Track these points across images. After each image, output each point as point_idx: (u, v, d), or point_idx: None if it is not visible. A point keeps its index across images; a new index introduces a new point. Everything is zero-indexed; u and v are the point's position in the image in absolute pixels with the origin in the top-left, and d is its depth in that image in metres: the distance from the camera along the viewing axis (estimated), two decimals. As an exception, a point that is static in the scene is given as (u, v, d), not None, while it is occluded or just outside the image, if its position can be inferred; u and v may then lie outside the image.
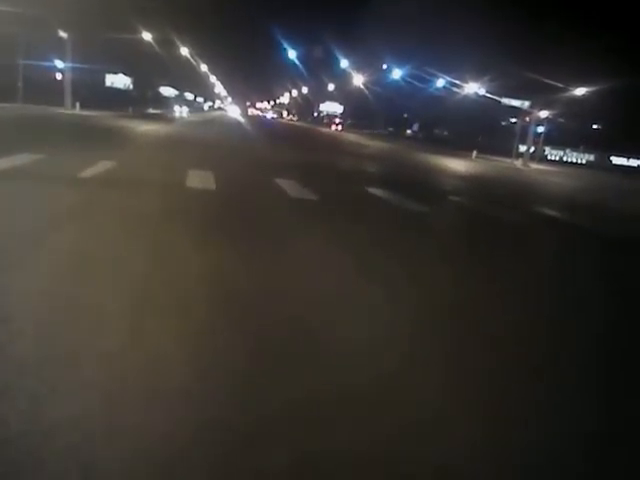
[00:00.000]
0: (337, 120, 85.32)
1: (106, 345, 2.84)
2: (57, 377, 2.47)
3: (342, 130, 71.72)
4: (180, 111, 61.84)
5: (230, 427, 2.28)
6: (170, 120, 36.12)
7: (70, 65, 39.33)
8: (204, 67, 78.34)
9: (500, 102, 42.45)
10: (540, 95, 39.14)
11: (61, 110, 33.71)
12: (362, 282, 4.69)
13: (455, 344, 3.57)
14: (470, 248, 7.10)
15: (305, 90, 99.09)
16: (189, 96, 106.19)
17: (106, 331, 3.02)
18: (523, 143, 43.16)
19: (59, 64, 41.67)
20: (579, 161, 61.39)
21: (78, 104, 36.54)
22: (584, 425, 2.73)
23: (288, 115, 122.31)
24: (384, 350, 3.29)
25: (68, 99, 38.28)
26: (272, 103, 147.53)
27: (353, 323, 3.69)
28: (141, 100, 57.25)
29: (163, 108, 62.57)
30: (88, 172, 8.64)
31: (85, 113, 32.93)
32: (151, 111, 52.06)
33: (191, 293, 3.85)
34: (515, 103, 42.48)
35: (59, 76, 42.75)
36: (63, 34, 37.22)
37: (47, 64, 41.97)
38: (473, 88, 42.51)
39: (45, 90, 39.05)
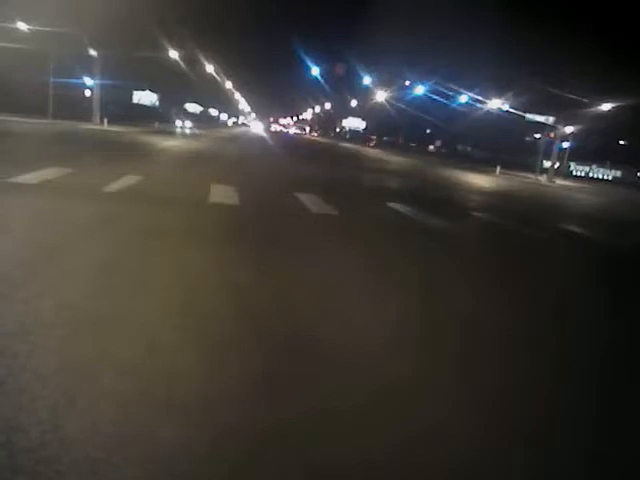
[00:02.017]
0: (372, 137, 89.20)
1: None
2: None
3: (374, 146, 73.74)
4: (182, 126, 53.10)
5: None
6: (193, 136, 36.72)
7: (99, 82, 40.40)
8: (229, 84, 79.50)
9: (524, 118, 42.10)
10: (565, 110, 38.76)
11: (89, 126, 34.55)
12: (381, 294, 4.68)
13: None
14: (490, 265, 7.01)
15: (328, 106, 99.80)
16: (213, 112, 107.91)
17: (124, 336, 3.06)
18: (548, 159, 42.72)
19: (88, 81, 42.78)
20: (605, 177, 60.47)
21: (106, 120, 37.42)
22: None
23: (311, 131, 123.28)
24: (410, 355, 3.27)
25: (96, 115, 39.27)
26: (295, 119, 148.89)
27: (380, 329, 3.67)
28: (167, 116, 58.21)
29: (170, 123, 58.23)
30: (114, 186, 8.82)
31: (113, 129, 33.68)
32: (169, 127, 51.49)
33: (219, 306, 3.89)
34: (539, 119, 42.08)
35: (88, 93, 43.87)
36: (93, 52, 38.28)
37: (76, 81, 43.11)
38: (496, 104, 42.29)
39: (74, 106, 40.19)
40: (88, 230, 5.78)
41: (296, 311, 4.03)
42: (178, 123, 54.29)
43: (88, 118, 38.39)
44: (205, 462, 2.14)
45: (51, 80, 37.05)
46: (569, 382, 3.41)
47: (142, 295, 3.93)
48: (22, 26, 33.42)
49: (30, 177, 8.57)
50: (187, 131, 47.87)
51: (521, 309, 5.00)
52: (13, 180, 8.14)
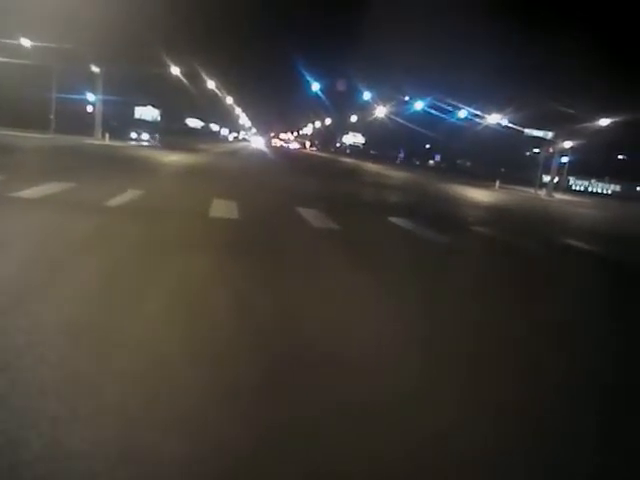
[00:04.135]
0: (401, 153, 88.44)
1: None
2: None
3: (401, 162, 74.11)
4: (137, 138, 44.64)
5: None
6: (194, 151, 36.90)
7: (101, 97, 40.76)
8: (230, 99, 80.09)
9: (523, 132, 42.36)
10: (564, 125, 39.03)
11: (91, 141, 34.76)
12: (383, 309, 4.69)
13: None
14: (491, 280, 7.03)
15: (328, 121, 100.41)
16: (214, 127, 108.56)
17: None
18: (547, 173, 42.92)
19: (90, 97, 43.09)
20: (605, 191, 60.74)
21: (108, 135, 37.66)
22: None
23: (311, 146, 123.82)
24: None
25: (98, 130, 39.56)
26: (295, 134, 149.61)
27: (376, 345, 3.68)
28: (168, 131, 58.45)
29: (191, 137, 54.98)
30: (116, 201, 8.85)
31: (114, 143, 33.88)
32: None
33: (219, 322, 3.91)
34: (538, 133, 42.34)
35: (90, 108, 44.17)
36: (95, 68, 38.67)
37: (79, 97, 43.39)
38: (496, 119, 42.57)
39: (76, 121, 40.47)
40: (90, 245, 5.81)
41: (296, 330, 4.04)
42: (132, 135, 45.57)
43: (90, 133, 38.66)
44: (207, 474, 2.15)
45: (54, 95, 37.40)
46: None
47: (142, 307, 3.94)
48: (25, 42, 33.80)
49: (32, 192, 8.61)
50: (144, 144, 40.47)
51: (523, 325, 5.00)
52: (15, 194, 8.18)
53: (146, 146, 34.99)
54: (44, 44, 33.11)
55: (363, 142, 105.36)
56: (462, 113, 44.43)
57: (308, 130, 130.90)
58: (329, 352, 3.55)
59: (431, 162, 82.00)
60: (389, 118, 59.37)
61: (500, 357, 3.95)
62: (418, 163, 79.70)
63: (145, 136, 45.15)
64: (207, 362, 3.19)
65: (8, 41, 32.18)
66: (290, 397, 2.85)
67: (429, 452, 2.50)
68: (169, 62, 40.75)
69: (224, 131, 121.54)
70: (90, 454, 2.13)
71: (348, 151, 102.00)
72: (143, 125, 53.17)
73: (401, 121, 57.56)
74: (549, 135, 41.67)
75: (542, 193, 38.95)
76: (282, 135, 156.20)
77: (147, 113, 66.68)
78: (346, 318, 4.37)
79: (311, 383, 3.05)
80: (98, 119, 40.23)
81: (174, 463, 2.17)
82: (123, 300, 4.08)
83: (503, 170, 58.52)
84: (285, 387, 2.97)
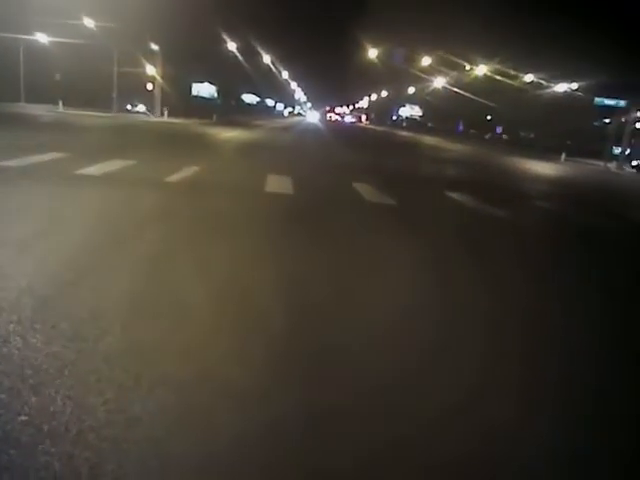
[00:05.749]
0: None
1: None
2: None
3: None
4: (131, 110, 42.80)
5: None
6: (250, 127, 37.10)
7: (160, 75, 41.54)
8: (285, 74, 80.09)
9: (593, 101, 39.96)
10: (638, 94, 36.48)
11: (151, 118, 35.64)
12: (448, 293, 4.53)
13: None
14: (553, 256, 6.68)
15: (384, 94, 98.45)
16: (270, 102, 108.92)
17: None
18: (618, 145, 40.44)
19: (150, 74, 43.90)
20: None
21: (166, 112, 38.46)
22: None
23: (367, 119, 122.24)
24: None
25: (157, 108, 40.49)
26: (351, 107, 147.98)
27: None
28: (225, 108, 59.00)
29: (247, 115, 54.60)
30: (174, 177, 9.01)
31: (173, 120, 34.59)
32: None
33: (268, 299, 3.88)
34: (609, 102, 39.82)
35: (150, 86, 45.14)
36: (154, 46, 39.36)
37: (138, 75, 44.28)
38: (562, 87, 40.34)
39: (137, 99, 41.60)
40: (152, 219, 5.94)
41: (350, 311, 3.95)
42: (128, 107, 43.66)
43: (150, 111, 39.66)
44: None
45: (115, 75, 38.52)
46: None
47: (199, 276, 3.97)
48: (89, 23, 34.76)
49: (95, 169, 8.90)
50: (142, 117, 37.65)
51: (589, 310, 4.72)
52: (80, 172, 8.48)
53: (203, 123, 35.46)
54: (106, 24, 33.95)
55: (420, 114, 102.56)
56: (526, 81, 42.39)
57: (364, 103, 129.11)
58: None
59: (489, 135, 78.51)
60: (448, 89, 57.57)
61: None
62: (478, 135, 76.46)
63: (141, 107, 43.89)
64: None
65: (73, 22, 33.20)
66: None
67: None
68: (225, 38, 40.99)
69: (279, 106, 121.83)
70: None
71: (404, 124, 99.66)
72: (201, 102, 53.85)
73: (461, 92, 55.68)
74: (621, 104, 39.14)
75: (612, 166, 36.80)
76: (337, 109, 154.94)
77: (204, 90, 67.47)
78: (404, 298, 4.24)
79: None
80: (157, 97, 41.11)
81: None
82: (182, 270, 4.13)
83: (570, 142, 55.51)
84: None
